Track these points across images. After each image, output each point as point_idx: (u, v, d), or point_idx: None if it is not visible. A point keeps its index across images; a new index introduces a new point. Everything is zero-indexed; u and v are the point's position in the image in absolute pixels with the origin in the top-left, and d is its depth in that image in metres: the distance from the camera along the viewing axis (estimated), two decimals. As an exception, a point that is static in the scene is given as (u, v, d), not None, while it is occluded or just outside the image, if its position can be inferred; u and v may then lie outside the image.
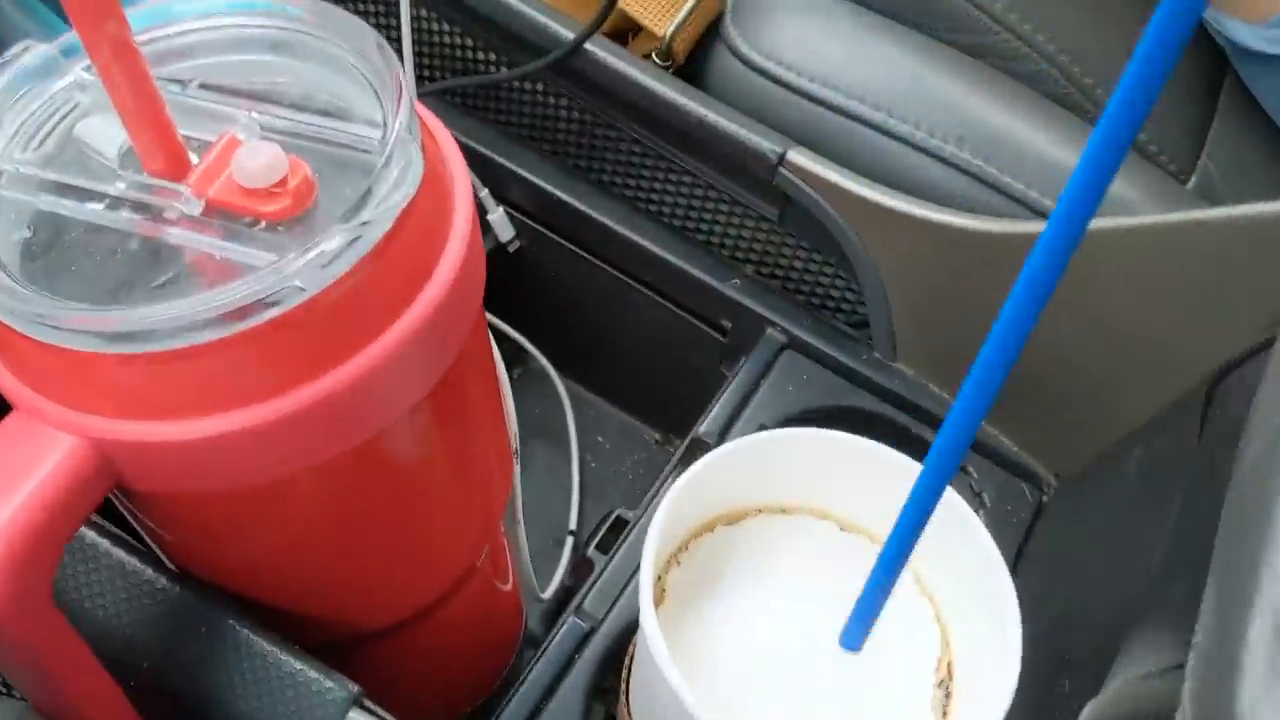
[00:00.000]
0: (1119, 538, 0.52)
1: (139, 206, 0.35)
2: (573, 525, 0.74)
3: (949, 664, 0.44)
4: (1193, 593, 0.30)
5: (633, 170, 0.69)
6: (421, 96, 0.67)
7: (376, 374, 0.35)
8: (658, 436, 0.82)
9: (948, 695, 0.44)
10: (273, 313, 0.32)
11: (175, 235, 0.34)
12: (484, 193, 0.69)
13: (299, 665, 0.40)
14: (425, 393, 0.39)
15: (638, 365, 0.79)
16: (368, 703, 0.41)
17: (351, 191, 0.34)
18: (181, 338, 0.32)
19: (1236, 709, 0.23)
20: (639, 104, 0.64)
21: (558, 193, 0.70)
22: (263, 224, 0.34)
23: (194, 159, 0.36)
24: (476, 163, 0.69)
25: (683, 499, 0.42)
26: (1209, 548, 0.30)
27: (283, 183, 0.34)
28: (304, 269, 0.32)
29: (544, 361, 0.77)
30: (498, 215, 0.70)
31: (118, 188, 0.35)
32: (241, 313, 0.32)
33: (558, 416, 0.79)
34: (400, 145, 0.35)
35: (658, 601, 0.44)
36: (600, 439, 0.81)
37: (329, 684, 0.40)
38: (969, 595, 0.43)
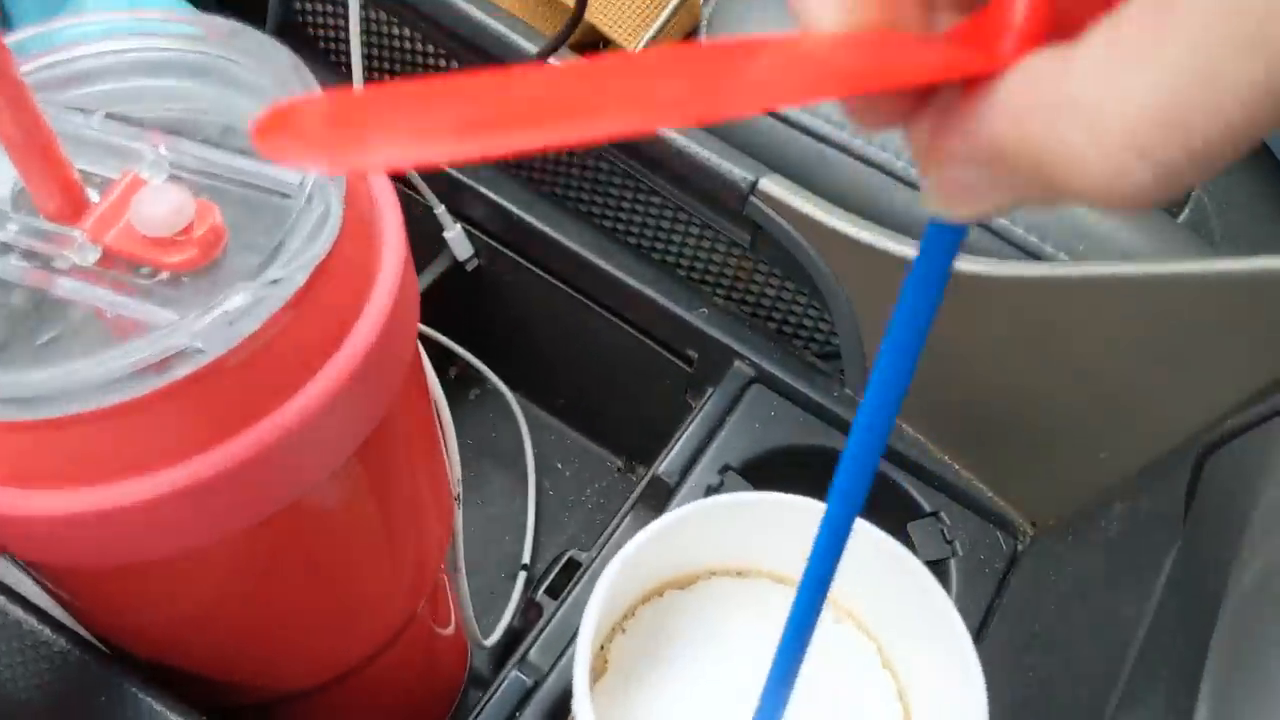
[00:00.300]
0: (1096, 602, 0.49)
1: (28, 254, 0.31)
2: (526, 559, 0.71)
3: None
4: (1174, 704, 0.28)
5: (599, 189, 0.66)
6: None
7: (290, 439, 0.32)
8: (620, 464, 0.79)
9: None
10: (170, 376, 0.29)
11: (66, 287, 0.31)
12: (440, 209, 0.65)
13: (205, 740, 0.37)
14: (349, 454, 0.36)
15: (600, 391, 0.76)
16: (279, 782, 0.38)
17: (266, 240, 0.31)
18: (65, 404, 0.29)
19: None
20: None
21: (519, 211, 0.66)
22: (164, 275, 0.31)
23: (95, 198, 0.33)
24: (434, 178, 0.66)
25: (627, 570, 0.40)
26: (1195, 653, 0.27)
27: (188, 230, 0.31)
28: (206, 329, 0.29)
29: (501, 386, 0.74)
30: (455, 233, 0.66)
31: (8, 231, 0.32)
32: (135, 377, 0.29)
33: (515, 441, 0.76)
34: (318, 190, 0.32)
35: (599, 673, 0.41)
36: (559, 465, 0.78)
37: (236, 763, 0.37)
38: (933, 670, 0.41)
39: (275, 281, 0.30)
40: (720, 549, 0.43)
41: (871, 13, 0.18)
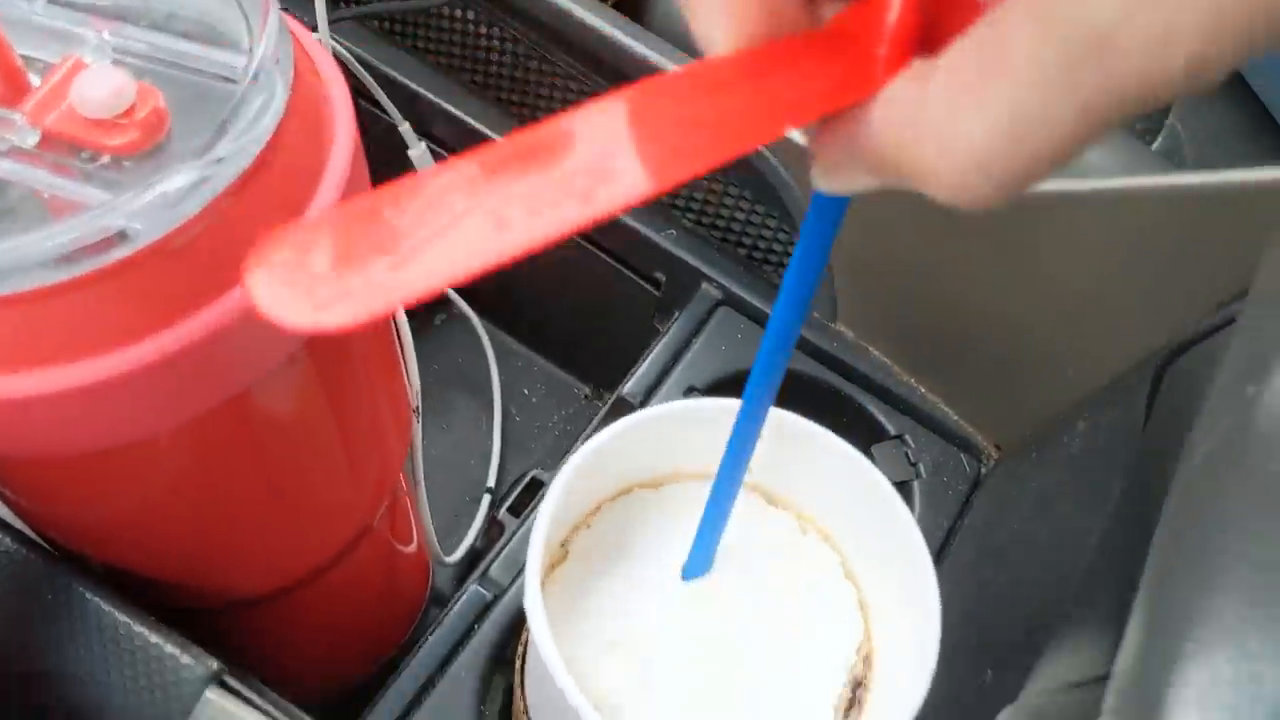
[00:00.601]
0: (1056, 518, 0.49)
1: (-33, 136, 0.31)
2: (491, 483, 0.70)
3: (869, 654, 0.42)
4: (1123, 598, 0.28)
5: (568, 108, 0.65)
6: (338, 21, 0.62)
7: (236, 325, 0.31)
8: (588, 391, 0.79)
9: (861, 684, 0.41)
10: (110, 257, 0.29)
11: (5, 169, 0.30)
12: (405, 127, 0.64)
13: (154, 639, 0.37)
14: (295, 349, 0.35)
15: (567, 316, 0.75)
16: (229, 679, 0.37)
17: (210, 124, 0.31)
18: (3, 282, 0.28)
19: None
20: (575, 37, 0.60)
21: (486, 130, 0.65)
22: (106, 159, 0.31)
23: (37, 82, 0.32)
24: (399, 95, 0.65)
25: (588, 467, 0.39)
26: (1144, 549, 0.27)
27: (129, 113, 0.31)
28: (144, 210, 0.29)
29: (467, 309, 0.73)
30: (420, 151, 0.65)
31: (-53, 113, 0.31)
32: (72, 258, 0.28)
33: (481, 367, 0.75)
34: (264, 74, 0.31)
35: (558, 561, 0.41)
36: (526, 392, 0.77)
37: (186, 659, 0.37)
38: (893, 584, 0.41)
39: (218, 161, 0.30)
40: (689, 454, 0.43)
41: (758, 27, 0.21)
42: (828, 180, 0.23)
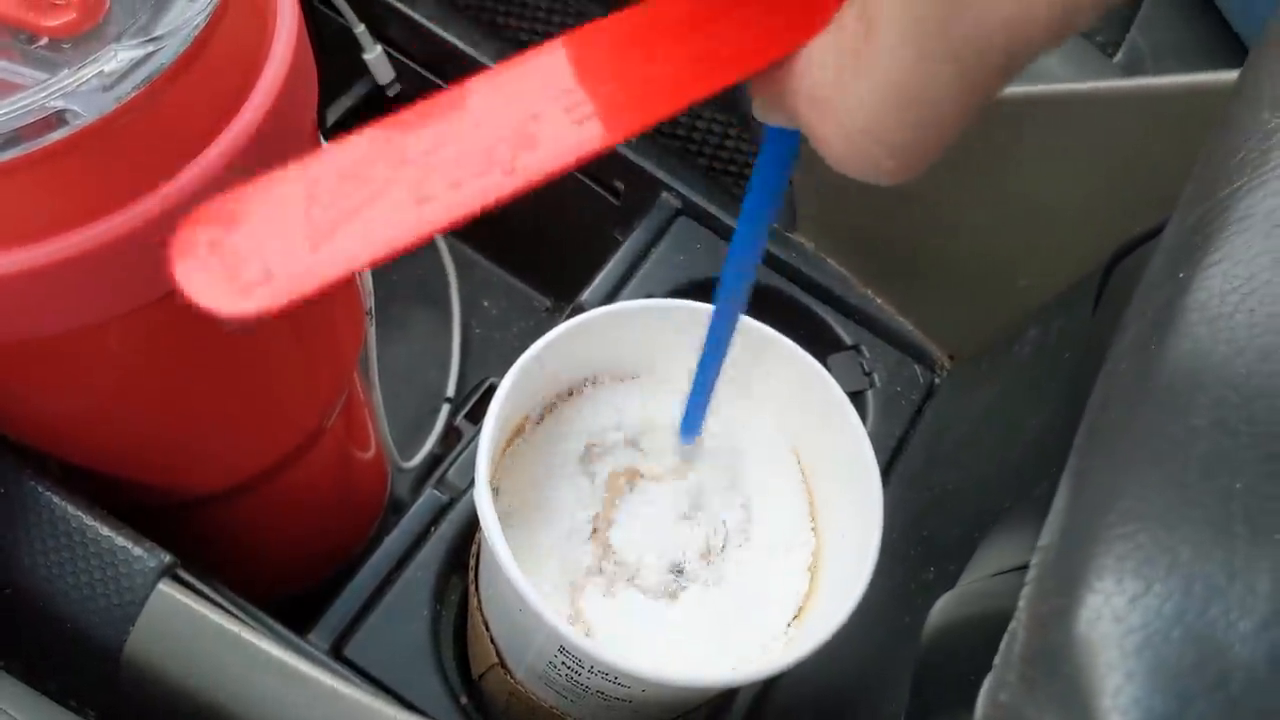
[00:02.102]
0: (1003, 421, 0.50)
1: (-101, 15, 0.30)
2: (450, 393, 0.71)
3: (817, 554, 0.42)
4: (1056, 489, 0.28)
5: (525, 12, 0.64)
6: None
7: (181, 210, 0.31)
8: (548, 303, 0.79)
9: (811, 585, 0.42)
10: (49, 138, 0.28)
11: (-62, 49, 0.30)
12: (360, 29, 0.63)
13: (105, 531, 0.37)
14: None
15: (527, 227, 0.75)
16: (182, 573, 0.38)
17: (149, 7, 0.30)
18: (-67, 165, 0.28)
19: (1075, 627, 0.21)
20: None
21: (442, 33, 0.64)
22: (44, 41, 0.30)
23: (-30, -39, 0.31)
24: (355, -3, 0.64)
25: (536, 367, 0.39)
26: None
27: (68, -8, 0.30)
28: (80, 91, 0.28)
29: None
30: (375, 55, 0.64)
31: (-126, -8, 0.30)
32: (12, 138, 0.28)
33: (441, 279, 0.75)
34: (202, -49, 0.30)
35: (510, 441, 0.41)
36: (486, 304, 0.77)
37: (138, 552, 0.37)
38: (842, 487, 0.42)
39: (154, 39, 0.29)
40: (634, 351, 0.43)
41: None
42: (764, 117, 0.22)
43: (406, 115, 0.18)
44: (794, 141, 0.25)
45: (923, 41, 0.17)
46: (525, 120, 0.18)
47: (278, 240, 0.16)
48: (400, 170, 0.17)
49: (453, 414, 0.69)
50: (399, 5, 0.64)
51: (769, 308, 0.62)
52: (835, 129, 0.19)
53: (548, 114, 0.18)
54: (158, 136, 0.30)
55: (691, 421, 0.39)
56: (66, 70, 0.28)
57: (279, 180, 0.17)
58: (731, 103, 0.59)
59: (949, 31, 0.17)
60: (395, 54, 0.67)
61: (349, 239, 0.16)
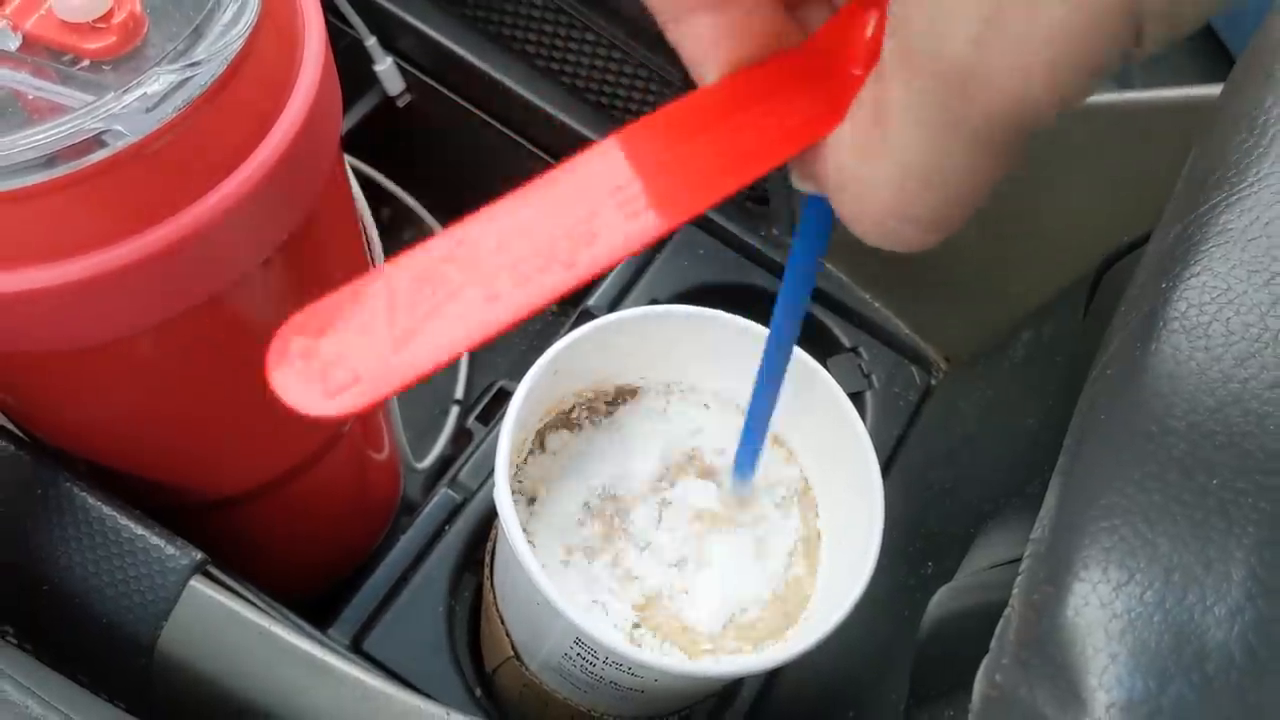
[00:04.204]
0: (999, 421, 0.52)
1: (-51, 39, 0.31)
2: (459, 395, 0.72)
3: (814, 548, 0.44)
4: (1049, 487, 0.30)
5: (533, 25, 0.66)
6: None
7: (213, 227, 0.33)
8: (554, 308, 0.80)
9: (814, 579, 0.43)
10: (91, 159, 0.30)
11: (-12, 72, 0.31)
12: (371, 41, 0.65)
13: (140, 530, 0.39)
14: (272, 249, 0.36)
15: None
16: (213, 570, 0.39)
17: (185, 29, 0.32)
18: (-15, 183, 0.29)
19: (1064, 613, 0.23)
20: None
21: (452, 45, 0.66)
22: (86, 63, 0.32)
23: (15, -12, 0.33)
24: (366, 10, 0.65)
25: (557, 365, 0.41)
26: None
27: (107, 18, 0.31)
28: (125, 112, 0.30)
29: (436, 226, 0.74)
30: (386, 66, 0.66)
31: (-73, 16, 0.32)
32: (55, 158, 0.30)
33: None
34: (237, -21, 0.32)
35: (530, 450, 0.43)
36: (494, 307, 0.79)
37: (171, 550, 0.39)
38: (843, 486, 0.43)
39: (194, 64, 0.31)
40: (648, 358, 0.45)
41: (745, 51, 0.21)
42: (800, 186, 0.23)
43: (474, 218, 0.19)
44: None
45: (931, 126, 0.17)
46: (583, 218, 0.19)
47: (364, 346, 0.18)
48: (471, 272, 0.18)
49: (463, 416, 0.70)
50: (409, 18, 0.66)
51: (769, 311, 0.64)
52: (858, 209, 0.20)
53: (603, 210, 0.19)
54: (193, 156, 0.32)
55: (745, 462, 0.40)
56: (112, 92, 0.30)
57: (364, 288, 0.18)
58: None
59: (955, 115, 0.17)
60: (406, 65, 0.69)
61: (427, 340, 0.18)
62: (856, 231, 0.20)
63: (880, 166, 0.19)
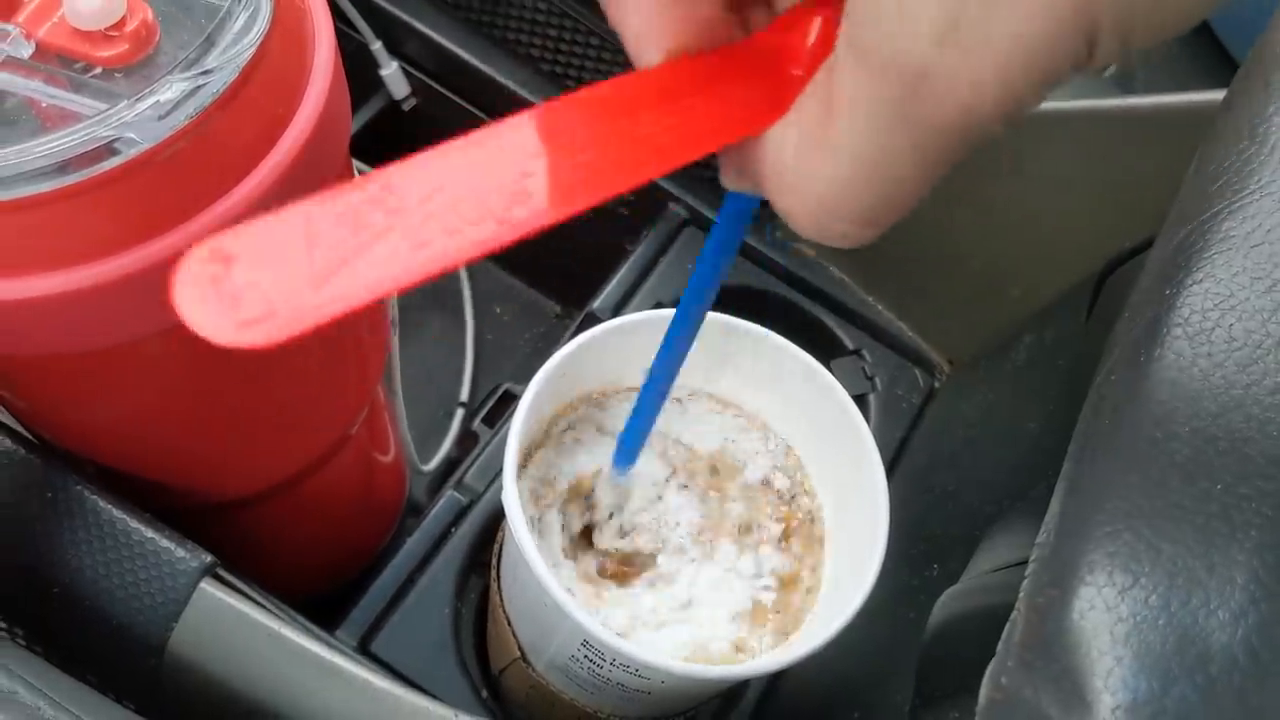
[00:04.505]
0: (1001, 424, 0.52)
1: (-38, 47, 0.32)
2: (464, 398, 0.73)
3: (818, 552, 0.44)
4: (1053, 491, 0.30)
5: (538, 29, 0.66)
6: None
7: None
8: (558, 310, 0.81)
9: (819, 581, 0.44)
10: (105, 166, 0.30)
11: (1, 79, 0.32)
12: (377, 46, 0.65)
13: (150, 533, 0.39)
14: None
15: (539, 237, 0.76)
16: (222, 572, 0.40)
17: (197, 38, 0.32)
18: (0, 189, 0.30)
19: (1069, 616, 0.23)
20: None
21: (457, 50, 0.66)
22: (98, 70, 0.32)
23: (28, -4, 0.33)
24: (371, 14, 0.66)
25: (565, 368, 0.41)
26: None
27: (120, 25, 0.32)
28: (137, 120, 0.30)
29: (441, 228, 0.75)
30: (392, 71, 0.66)
31: (-59, 24, 0.32)
32: (68, 165, 0.30)
33: (454, 287, 0.77)
34: (249, -10, 0.32)
35: (539, 444, 0.43)
36: (498, 310, 0.79)
37: (181, 553, 0.39)
38: (848, 489, 0.43)
39: (206, 73, 0.31)
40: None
41: (687, 39, 0.22)
42: (730, 186, 0.23)
43: (399, 165, 0.19)
44: (754, 205, 0.26)
45: (881, 125, 0.18)
46: (517, 176, 0.19)
47: (280, 279, 0.17)
48: (396, 217, 0.18)
49: (468, 418, 0.71)
50: (414, 22, 0.66)
51: (773, 313, 0.64)
52: (797, 203, 0.20)
53: (537, 172, 0.19)
54: (205, 163, 0.32)
55: (630, 451, 0.40)
56: (124, 100, 0.30)
57: (281, 220, 0.18)
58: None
59: (907, 115, 0.17)
60: (411, 69, 0.69)
61: (349, 280, 0.17)
62: (792, 224, 0.21)
63: (824, 162, 0.19)
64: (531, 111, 0.20)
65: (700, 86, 0.21)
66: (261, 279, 0.17)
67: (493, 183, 0.19)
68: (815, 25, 0.21)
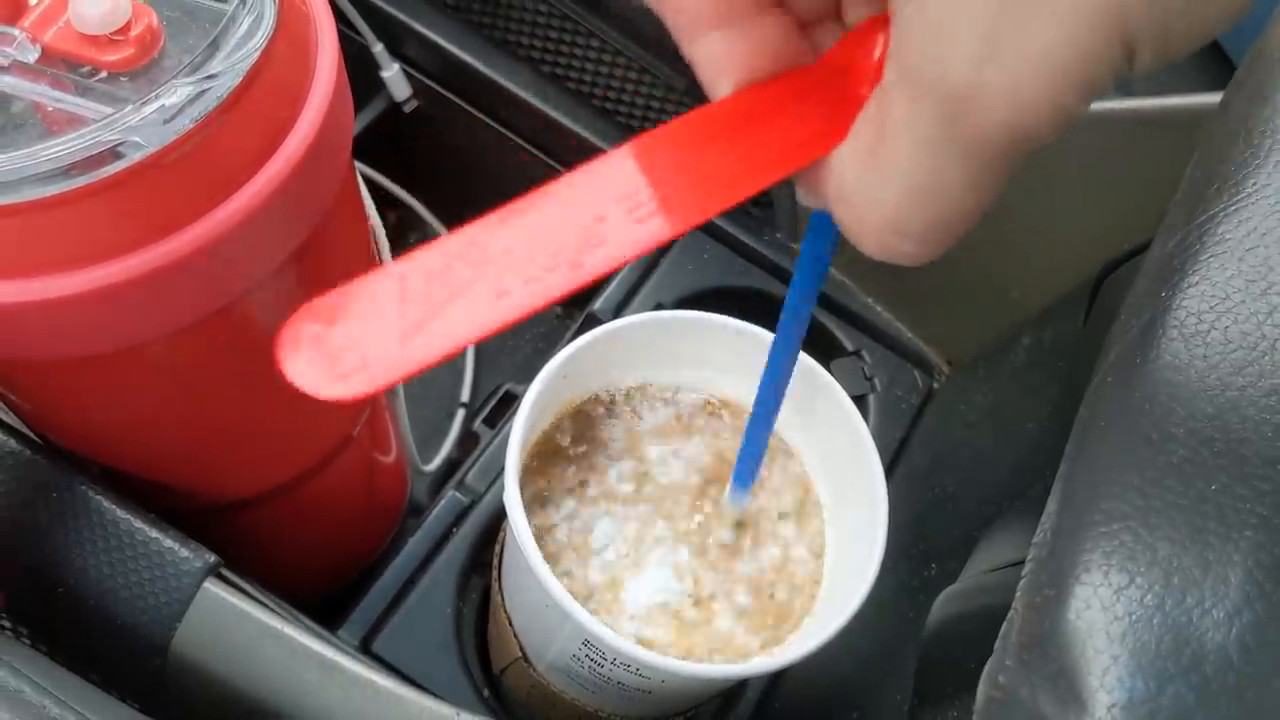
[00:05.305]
0: (999, 425, 0.52)
1: (-32, 52, 0.32)
2: (465, 398, 0.73)
3: (820, 551, 0.45)
4: (1050, 492, 0.30)
5: (538, 31, 0.66)
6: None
7: (228, 236, 0.33)
8: (559, 310, 0.81)
9: (819, 581, 0.44)
10: (111, 169, 0.30)
11: (6, 83, 0.32)
12: (379, 48, 0.65)
13: (154, 534, 0.39)
14: (285, 257, 0.37)
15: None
16: (226, 572, 0.40)
17: (202, 42, 0.32)
18: (5, 193, 0.30)
19: (1066, 616, 0.23)
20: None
21: (458, 51, 0.67)
22: (103, 75, 0.32)
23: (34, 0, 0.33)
24: (372, 17, 0.66)
25: (566, 369, 0.42)
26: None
27: (125, 30, 0.32)
28: (142, 124, 0.30)
29: (441, 230, 0.75)
30: (393, 73, 0.67)
31: (-52, 29, 0.32)
32: (74, 168, 0.30)
33: (456, 287, 0.77)
34: (253, -4, 0.33)
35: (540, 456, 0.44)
36: (499, 310, 0.79)
37: (185, 553, 0.39)
38: (846, 489, 0.44)
39: (211, 77, 0.31)
40: (653, 362, 0.45)
41: (757, 69, 0.22)
42: (806, 202, 0.24)
43: (485, 220, 0.20)
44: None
45: (930, 145, 0.18)
46: (591, 222, 0.20)
47: (373, 335, 0.18)
48: (481, 270, 0.19)
49: (469, 419, 0.71)
50: (416, 24, 0.66)
51: (774, 315, 0.64)
52: (859, 224, 0.20)
53: (611, 215, 0.20)
54: (209, 166, 0.33)
55: (745, 473, 0.41)
56: (129, 104, 0.30)
57: (375, 280, 0.19)
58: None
59: (954, 134, 0.18)
60: (412, 71, 0.69)
61: (436, 332, 0.19)
62: (857, 245, 0.21)
63: (880, 182, 0.19)
64: (607, 156, 0.21)
65: (771, 113, 0.22)
66: (357, 336, 0.18)
67: (569, 231, 0.20)
68: (879, 42, 0.21)
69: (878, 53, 0.21)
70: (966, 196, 0.19)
